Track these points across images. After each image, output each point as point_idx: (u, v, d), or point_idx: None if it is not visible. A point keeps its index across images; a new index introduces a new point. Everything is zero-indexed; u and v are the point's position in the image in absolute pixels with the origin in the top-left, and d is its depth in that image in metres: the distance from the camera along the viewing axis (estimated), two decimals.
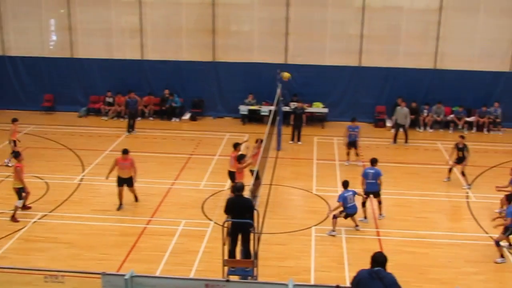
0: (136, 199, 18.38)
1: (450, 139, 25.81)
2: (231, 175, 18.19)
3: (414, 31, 27.79)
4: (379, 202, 17.66)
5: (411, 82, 27.57)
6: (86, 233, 16.40)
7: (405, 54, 27.82)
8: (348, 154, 22.37)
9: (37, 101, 29.37)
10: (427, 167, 22.17)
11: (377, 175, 17.43)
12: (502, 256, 15.24)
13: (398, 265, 14.43)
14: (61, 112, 29.26)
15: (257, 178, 16.58)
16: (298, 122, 25.02)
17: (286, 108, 26.69)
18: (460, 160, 20.42)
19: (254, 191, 16.80)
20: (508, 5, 26.72)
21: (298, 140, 24.96)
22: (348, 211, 16.55)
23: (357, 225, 16.86)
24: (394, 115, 25.31)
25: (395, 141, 25.08)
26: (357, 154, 22.29)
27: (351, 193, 16.57)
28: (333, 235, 16.41)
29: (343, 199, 16.41)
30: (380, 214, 17.71)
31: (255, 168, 16.72)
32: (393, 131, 25.36)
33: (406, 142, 24.91)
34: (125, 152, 17.92)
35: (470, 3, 27.13)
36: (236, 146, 18.35)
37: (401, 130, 24.97)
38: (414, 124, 26.79)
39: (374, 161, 17.76)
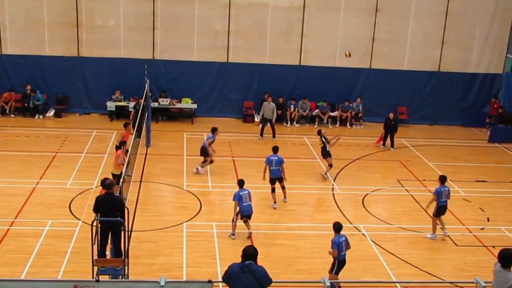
0: None
1: (315, 134, 26.74)
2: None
3: (280, 28, 28.47)
4: (283, 187, 18.78)
5: (277, 78, 28.28)
6: None
7: (271, 50, 28.45)
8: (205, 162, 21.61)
9: None
10: (294, 161, 22.84)
11: (280, 162, 18.50)
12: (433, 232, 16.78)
13: (268, 257, 14.85)
14: None
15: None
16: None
17: (155, 104, 26.51)
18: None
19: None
20: (368, 4, 28.10)
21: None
22: (243, 210, 16.04)
23: (250, 231, 16.31)
24: (261, 110, 25.84)
25: (261, 135, 25.62)
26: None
27: (246, 192, 16.13)
28: (233, 239, 16.19)
29: (238, 198, 15.97)
30: (285, 197, 18.93)
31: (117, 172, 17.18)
32: (260, 126, 25.88)
33: (273, 137, 25.51)
34: None
35: (331, 2, 28.22)
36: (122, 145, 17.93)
37: (268, 125, 25.54)
38: (281, 119, 27.56)
39: (275, 149, 18.93)
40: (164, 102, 27.25)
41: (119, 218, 12.02)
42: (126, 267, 12.10)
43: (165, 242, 15.86)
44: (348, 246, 13.60)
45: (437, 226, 16.79)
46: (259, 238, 16.33)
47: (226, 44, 28.13)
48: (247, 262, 9.69)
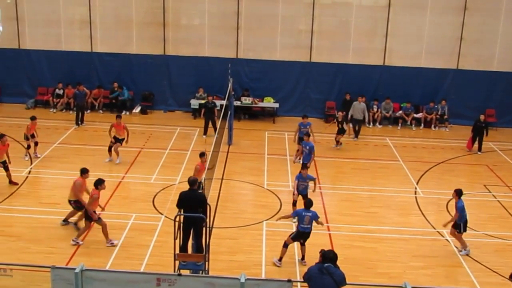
0: None
1: (399, 135, 26.40)
2: None
3: (363, 28, 28.13)
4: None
5: (360, 78, 27.91)
6: (34, 226, 16.11)
7: (355, 50, 28.15)
8: (298, 151, 22.03)
9: None
10: (376, 162, 22.52)
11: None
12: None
13: (347, 260, 14.69)
14: (8, 104, 28.52)
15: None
16: (210, 115, 24.70)
17: (238, 103, 26.77)
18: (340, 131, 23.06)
19: None
20: (456, 2, 27.32)
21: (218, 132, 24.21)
22: (300, 230, 14.70)
23: (303, 260, 15.01)
24: (351, 110, 25.58)
25: (356, 135, 25.39)
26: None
27: (310, 214, 14.62)
28: (279, 265, 14.75)
29: (298, 216, 14.73)
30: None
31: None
32: (349, 126, 25.13)
33: (356, 137, 25.24)
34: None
35: (417, 0, 27.60)
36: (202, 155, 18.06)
37: (356, 125, 25.24)
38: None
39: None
40: (247, 101, 27.46)
41: (201, 214, 12.21)
42: (206, 263, 12.28)
43: (245, 239, 15.97)
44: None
45: None
46: (339, 240, 16.20)
47: (309, 43, 28.05)
48: (326, 264, 9.71)
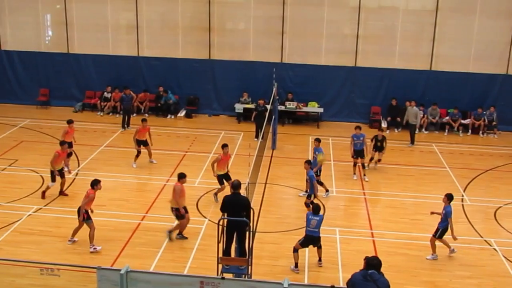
0: None
1: (445, 141, 25.99)
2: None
3: (410, 32, 27.79)
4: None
5: (406, 83, 27.57)
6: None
7: (401, 55, 27.83)
8: (354, 165, 21.08)
9: (32, 96, 29.31)
10: (422, 169, 22.20)
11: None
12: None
13: (391, 267, 14.51)
14: (56, 106, 29.18)
15: (229, 180, 18.03)
16: (261, 119, 24.37)
17: (282, 107, 26.75)
18: (378, 148, 21.45)
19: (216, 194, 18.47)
20: (505, 6, 26.77)
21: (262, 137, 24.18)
22: (308, 234, 14.59)
23: (320, 261, 15.05)
24: (405, 115, 25.33)
25: (412, 141, 25.08)
26: (363, 166, 21.15)
27: (318, 218, 14.51)
28: (297, 272, 14.57)
29: (308, 221, 14.55)
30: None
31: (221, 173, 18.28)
32: (400, 130, 25.10)
33: (412, 143, 24.99)
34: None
35: (466, 4, 27.14)
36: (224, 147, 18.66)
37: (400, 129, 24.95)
38: (409, 125, 26.79)
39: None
40: (291, 105, 27.44)
41: (245, 218, 12.23)
42: (249, 267, 12.29)
43: (287, 244, 15.89)
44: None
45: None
46: (383, 247, 16.02)
47: (354, 48, 27.85)
48: (370, 271, 9.61)
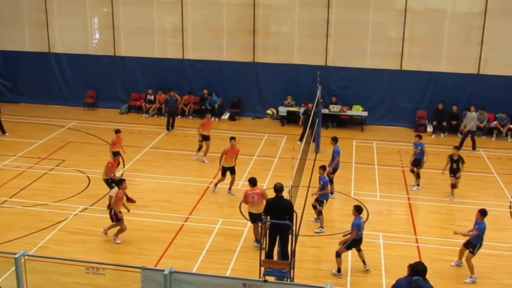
0: None
1: (493, 146, 25.48)
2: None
3: (457, 35, 27.29)
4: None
5: (453, 87, 27.09)
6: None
7: (448, 58, 27.36)
8: (411, 172, 20.63)
9: (80, 97, 29.90)
10: (469, 174, 21.80)
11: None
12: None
13: (436, 273, 14.27)
14: (103, 108, 29.69)
15: (233, 174, 19.09)
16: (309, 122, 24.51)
17: (326, 111, 26.62)
18: (454, 171, 19.67)
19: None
20: None
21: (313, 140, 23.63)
22: (356, 238, 14.45)
23: (365, 265, 14.88)
24: (464, 121, 24.94)
25: (474, 147, 24.66)
26: (418, 176, 20.50)
27: (363, 220, 14.55)
28: (339, 277, 14.49)
29: (357, 227, 14.33)
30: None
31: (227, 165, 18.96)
32: (460, 136, 24.64)
33: (473, 149, 24.55)
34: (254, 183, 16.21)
35: None
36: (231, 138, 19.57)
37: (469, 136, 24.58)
38: (455, 130, 26.38)
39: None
40: (335, 108, 27.29)
41: (287, 222, 12.21)
42: (292, 270, 12.26)
43: (330, 248, 15.79)
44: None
45: None
46: (428, 253, 15.78)
47: (400, 51, 27.52)
48: (415, 277, 9.47)
